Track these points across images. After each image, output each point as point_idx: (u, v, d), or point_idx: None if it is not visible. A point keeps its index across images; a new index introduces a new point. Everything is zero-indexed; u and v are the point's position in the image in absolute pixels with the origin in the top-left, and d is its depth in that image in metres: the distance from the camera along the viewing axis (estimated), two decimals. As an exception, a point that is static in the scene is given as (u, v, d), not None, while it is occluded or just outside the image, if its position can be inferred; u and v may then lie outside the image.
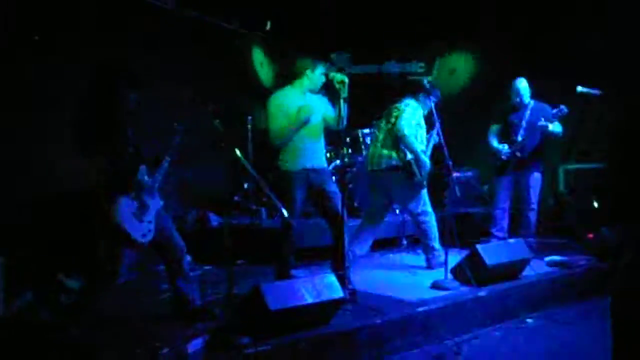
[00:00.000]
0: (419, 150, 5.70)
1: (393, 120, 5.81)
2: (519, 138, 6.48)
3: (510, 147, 6.50)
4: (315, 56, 5.27)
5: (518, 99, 6.58)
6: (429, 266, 5.89)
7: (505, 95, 6.70)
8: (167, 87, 6.31)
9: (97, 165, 3.92)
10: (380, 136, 5.94)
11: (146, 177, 4.13)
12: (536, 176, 6.54)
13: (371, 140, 6.24)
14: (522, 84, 6.59)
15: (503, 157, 6.51)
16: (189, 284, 4.32)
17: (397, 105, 5.87)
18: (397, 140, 5.74)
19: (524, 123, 6.50)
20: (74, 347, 3.73)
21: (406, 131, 5.64)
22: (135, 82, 4.10)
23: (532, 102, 6.60)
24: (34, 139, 5.86)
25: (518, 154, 6.46)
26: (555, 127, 6.36)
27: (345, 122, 4.94)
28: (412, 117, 5.74)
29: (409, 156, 5.70)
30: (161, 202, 4.23)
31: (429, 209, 5.90)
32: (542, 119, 6.30)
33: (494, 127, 6.76)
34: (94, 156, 3.91)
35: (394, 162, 5.76)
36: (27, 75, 5.84)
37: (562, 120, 6.36)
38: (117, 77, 4.06)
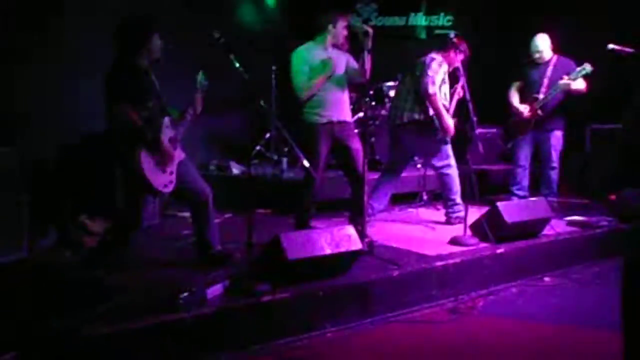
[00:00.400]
0: (443, 109, 5.63)
1: (418, 74, 5.74)
2: (540, 96, 6.37)
3: (531, 105, 6.40)
4: (336, 9, 5.22)
5: (537, 55, 6.45)
6: (449, 221, 5.89)
7: (527, 51, 6.57)
8: (189, 38, 6.28)
9: (121, 113, 3.94)
10: (404, 90, 5.87)
11: (169, 128, 4.15)
12: (558, 134, 6.44)
13: (395, 94, 6.18)
14: (541, 40, 6.44)
15: (524, 114, 6.42)
16: (212, 229, 4.38)
17: (423, 59, 5.78)
18: (420, 96, 5.68)
19: (545, 80, 6.37)
20: (95, 289, 3.82)
21: (431, 90, 5.56)
22: (161, 29, 4.14)
23: (554, 57, 6.47)
24: (63, 84, 5.92)
25: (539, 112, 6.36)
26: (578, 84, 6.23)
27: (368, 75, 4.91)
28: (436, 73, 5.66)
29: (432, 112, 5.65)
30: (183, 154, 4.27)
31: (452, 162, 5.86)
32: (565, 77, 6.18)
33: (515, 84, 6.64)
34: (117, 106, 3.93)
35: (416, 117, 5.69)
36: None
37: (587, 78, 6.22)
38: (145, 24, 4.13)
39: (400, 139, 5.89)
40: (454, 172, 5.86)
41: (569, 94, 6.30)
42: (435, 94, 5.57)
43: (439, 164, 5.83)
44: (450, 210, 5.90)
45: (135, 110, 3.95)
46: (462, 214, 5.47)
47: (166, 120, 4.14)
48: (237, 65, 4.21)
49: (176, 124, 4.21)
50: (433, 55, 5.75)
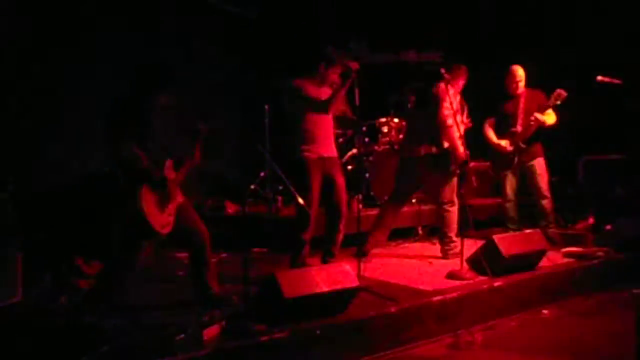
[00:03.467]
0: (458, 141, 5.71)
1: (433, 107, 5.79)
2: (519, 128, 6.40)
3: (511, 139, 6.44)
4: (327, 51, 5.32)
5: (521, 84, 6.49)
6: (445, 256, 5.87)
7: (500, 85, 6.62)
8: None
9: (128, 151, 3.95)
10: (419, 123, 5.93)
11: (170, 171, 4.17)
12: (540, 162, 6.43)
13: (408, 126, 6.23)
14: (519, 70, 6.51)
15: (507, 149, 6.45)
16: (209, 271, 4.36)
17: (434, 91, 5.85)
18: (434, 128, 5.75)
19: (520, 113, 6.43)
20: (90, 332, 3.77)
21: (449, 122, 5.65)
22: (172, 81, 4.20)
23: (524, 90, 6.52)
24: (58, 124, 5.97)
25: (522, 145, 6.39)
26: (550, 119, 6.29)
27: (357, 111, 5.02)
28: (451, 104, 5.73)
29: (446, 144, 5.73)
30: (182, 197, 4.27)
31: (455, 198, 5.91)
32: (537, 113, 6.23)
33: (488, 120, 6.72)
34: (123, 144, 3.94)
35: (433, 150, 5.77)
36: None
37: (564, 104, 6.22)
38: (155, 76, 4.19)
39: (410, 171, 5.93)
40: (455, 209, 5.89)
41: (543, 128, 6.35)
42: (452, 126, 5.64)
43: (445, 199, 5.87)
44: (447, 247, 5.89)
45: (139, 149, 3.98)
46: (458, 249, 5.48)
47: (168, 162, 4.16)
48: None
49: (178, 167, 4.23)
50: (443, 85, 5.83)
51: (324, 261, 5.17)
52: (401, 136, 7.46)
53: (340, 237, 5.18)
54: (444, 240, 5.93)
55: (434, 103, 5.77)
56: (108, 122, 4.01)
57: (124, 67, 5.91)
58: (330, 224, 5.24)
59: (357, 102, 4.92)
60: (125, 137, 3.95)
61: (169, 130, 4.27)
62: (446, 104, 5.68)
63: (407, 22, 8.83)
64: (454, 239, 5.88)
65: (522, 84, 6.51)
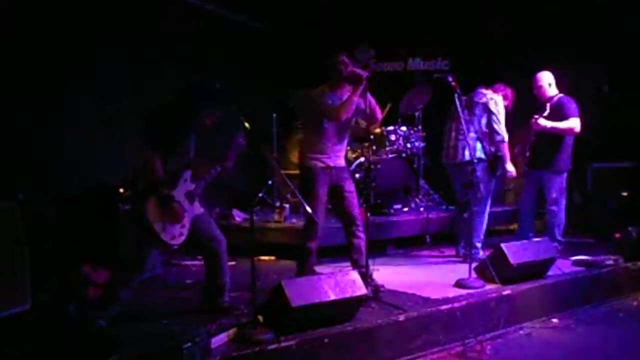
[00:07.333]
0: (507, 154, 5.88)
1: (479, 113, 5.93)
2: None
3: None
4: (337, 49, 5.30)
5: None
6: (464, 260, 5.74)
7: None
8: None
9: (147, 161, 3.96)
10: (460, 128, 5.93)
11: (188, 182, 4.16)
12: (550, 176, 6.32)
13: (448, 132, 6.22)
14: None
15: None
16: (225, 278, 4.37)
17: (481, 99, 5.94)
18: (481, 133, 5.89)
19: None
20: (99, 340, 3.78)
21: (506, 137, 5.84)
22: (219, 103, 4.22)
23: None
24: (65, 134, 6.00)
25: (527, 153, 6.37)
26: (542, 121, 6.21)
27: (380, 115, 5.02)
28: (503, 115, 5.89)
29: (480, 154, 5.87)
30: (201, 209, 4.27)
31: (488, 205, 6.07)
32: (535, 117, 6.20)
33: None
34: (151, 149, 3.95)
35: (479, 154, 5.87)
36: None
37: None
38: (202, 97, 4.19)
39: (460, 176, 5.97)
40: (486, 216, 6.04)
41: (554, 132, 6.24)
42: (507, 142, 5.86)
43: (483, 201, 5.96)
44: (468, 252, 5.69)
45: (161, 160, 3.97)
46: (480, 255, 5.66)
47: (186, 173, 4.16)
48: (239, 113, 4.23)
49: (199, 177, 4.23)
50: (491, 95, 5.96)
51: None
52: (408, 144, 7.46)
53: (361, 243, 4.95)
54: (469, 246, 5.81)
55: (479, 111, 5.93)
56: (144, 127, 4.02)
57: (130, 72, 5.96)
58: (347, 233, 5.11)
59: (368, 110, 4.90)
60: (152, 145, 3.95)
61: (199, 147, 4.28)
62: (501, 117, 5.86)
63: (415, 30, 8.81)
64: (478, 246, 5.95)
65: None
